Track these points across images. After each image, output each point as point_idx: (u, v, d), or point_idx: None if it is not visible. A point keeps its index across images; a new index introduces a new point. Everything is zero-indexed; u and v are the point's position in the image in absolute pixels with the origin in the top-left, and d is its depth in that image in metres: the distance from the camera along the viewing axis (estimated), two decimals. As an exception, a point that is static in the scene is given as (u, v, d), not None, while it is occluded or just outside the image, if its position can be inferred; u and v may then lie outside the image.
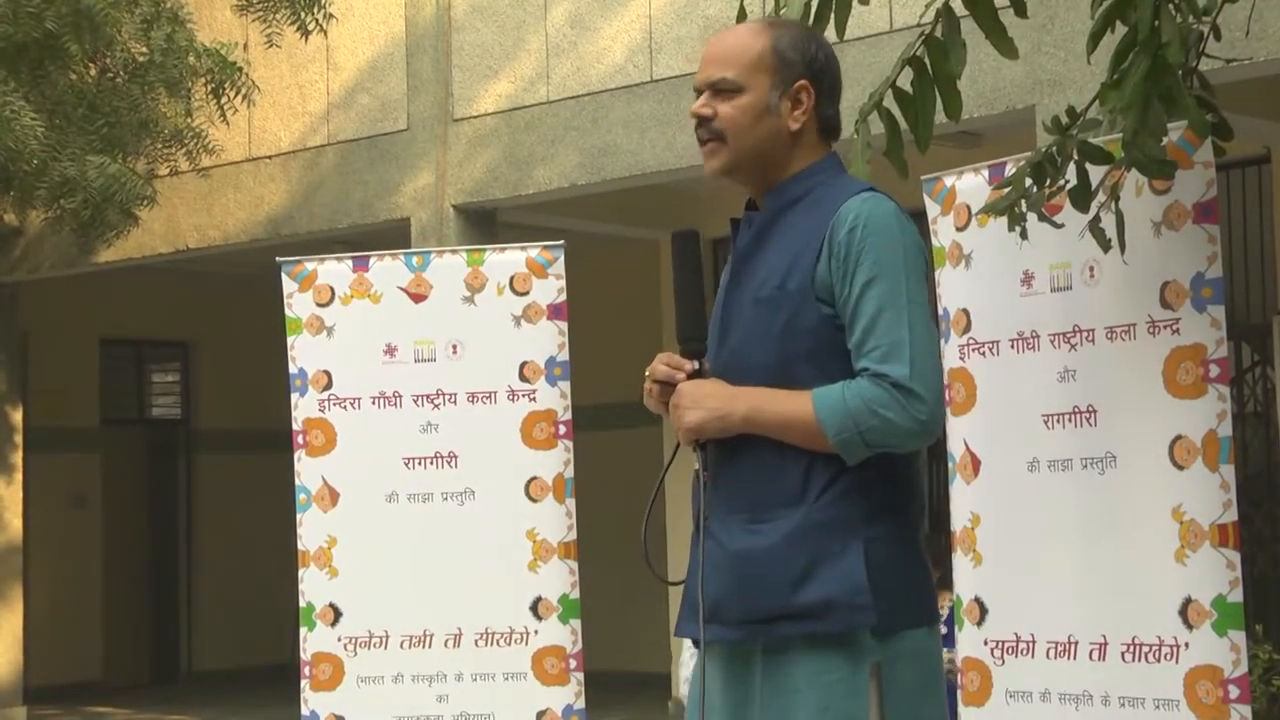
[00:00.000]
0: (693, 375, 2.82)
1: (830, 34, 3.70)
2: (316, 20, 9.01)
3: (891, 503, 2.75)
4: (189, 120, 9.48)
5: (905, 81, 3.77)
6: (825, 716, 2.66)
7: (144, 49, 9.08)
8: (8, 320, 11.70)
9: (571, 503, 6.12)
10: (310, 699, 6.17)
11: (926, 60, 3.75)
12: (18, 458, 11.57)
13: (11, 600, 11.45)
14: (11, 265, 11.31)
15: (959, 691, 4.58)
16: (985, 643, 4.47)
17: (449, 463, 6.14)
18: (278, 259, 6.43)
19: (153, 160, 9.89)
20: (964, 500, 4.56)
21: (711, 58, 2.85)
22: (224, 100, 9.29)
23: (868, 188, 2.80)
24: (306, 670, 6.18)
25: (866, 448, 2.69)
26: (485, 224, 9.34)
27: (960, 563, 4.56)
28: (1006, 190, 3.93)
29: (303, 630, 6.19)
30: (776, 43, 2.83)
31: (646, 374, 2.86)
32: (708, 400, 2.75)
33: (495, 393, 6.14)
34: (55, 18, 8.42)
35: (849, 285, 2.71)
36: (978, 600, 4.51)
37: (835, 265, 2.72)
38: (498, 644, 6.06)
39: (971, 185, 4.60)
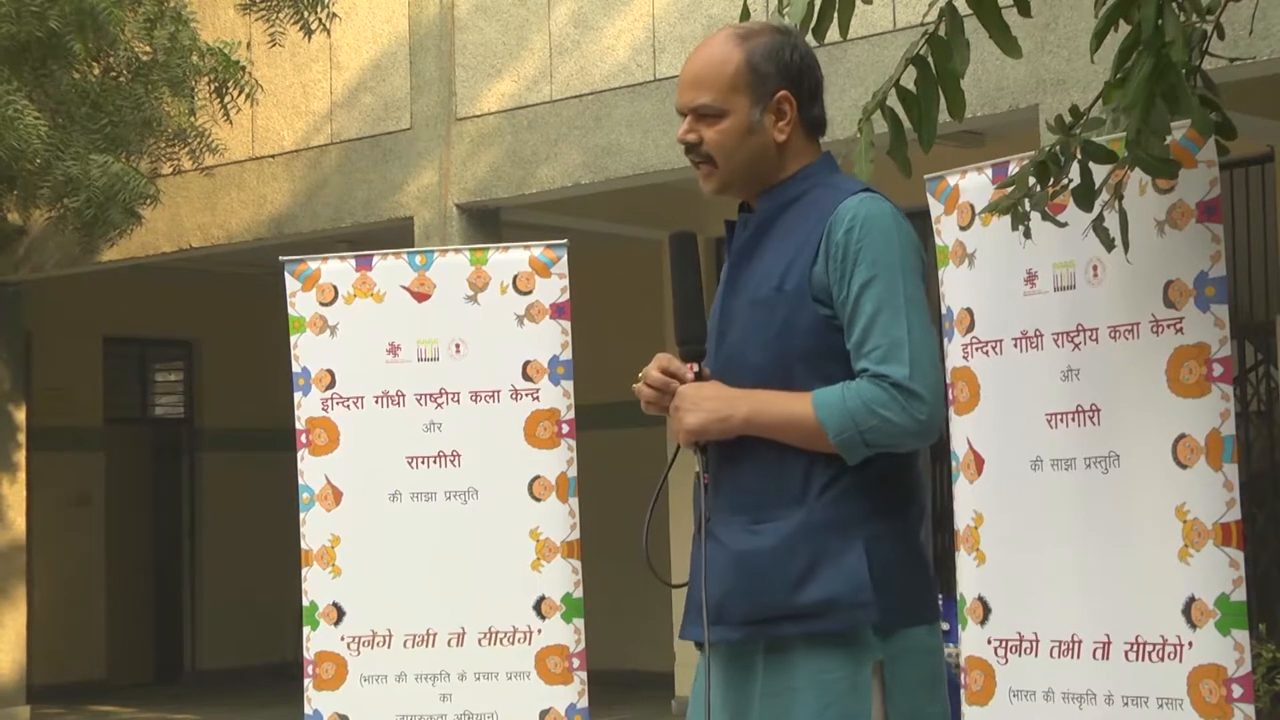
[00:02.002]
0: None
1: (833, 33, 3.71)
2: (319, 19, 9.01)
3: (892, 502, 2.76)
4: (192, 119, 9.48)
5: (909, 80, 3.77)
6: (826, 715, 2.66)
7: (147, 48, 9.07)
8: (11, 319, 11.70)
9: (575, 502, 6.12)
10: (314, 698, 6.17)
11: (930, 59, 3.74)
12: (21, 457, 11.58)
13: (15, 599, 11.46)
14: (15, 264, 11.31)
15: (962, 690, 4.58)
16: (989, 642, 4.47)
17: (452, 462, 6.14)
18: (281, 258, 6.43)
19: (156, 159, 9.89)
20: (967, 499, 4.56)
21: (689, 80, 2.85)
22: (227, 99, 9.29)
23: (864, 188, 2.80)
24: (310, 669, 6.18)
25: (867, 448, 2.69)
26: (488, 223, 9.34)
27: (963, 562, 4.55)
28: (1010, 189, 3.93)
29: (306, 629, 6.19)
30: (750, 57, 2.81)
31: (639, 377, 2.85)
32: (707, 402, 2.75)
33: (498, 392, 6.14)
34: (59, 17, 8.41)
35: (847, 286, 2.71)
36: (981, 599, 4.51)
37: (832, 266, 2.72)
38: (501, 643, 6.06)
39: (975, 184, 4.60)
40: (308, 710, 6.19)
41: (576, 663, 6.04)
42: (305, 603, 6.20)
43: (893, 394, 2.66)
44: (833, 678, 2.67)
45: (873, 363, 2.68)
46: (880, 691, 2.67)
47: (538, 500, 6.09)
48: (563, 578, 6.07)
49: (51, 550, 12.61)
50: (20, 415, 11.63)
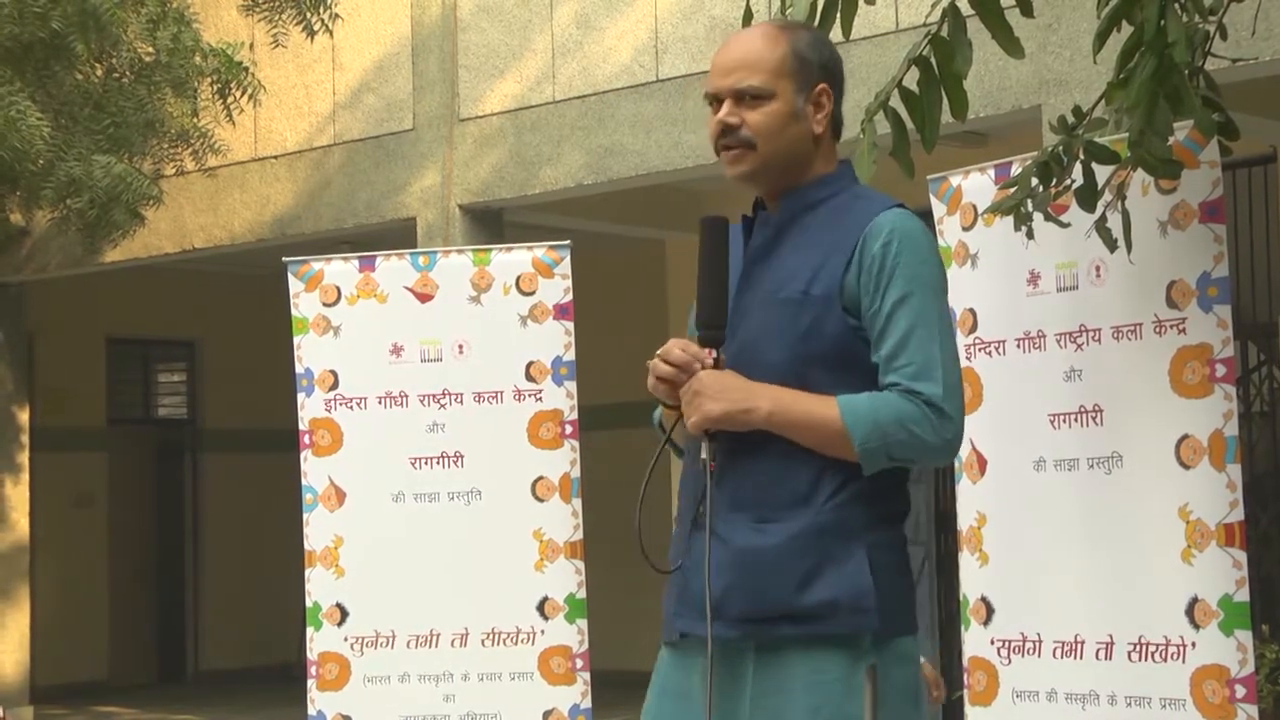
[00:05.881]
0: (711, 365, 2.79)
1: (836, 34, 3.71)
2: (322, 20, 9.01)
3: (890, 512, 2.77)
4: (195, 120, 9.48)
5: (911, 81, 3.77)
6: (819, 716, 2.66)
7: (150, 49, 9.08)
8: (14, 320, 11.70)
9: (578, 502, 6.13)
10: (317, 699, 6.18)
11: (933, 60, 3.75)
12: (24, 457, 11.58)
13: (18, 600, 11.46)
14: (18, 265, 11.31)
15: (965, 691, 4.58)
16: (992, 642, 4.47)
17: (455, 462, 6.15)
18: (284, 259, 6.43)
19: (159, 160, 9.88)
20: (970, 499, 4.56)
21: (732, 64, 2.81)
22: (230, 100, 9.29)
23: (897, 203, 2.81)
24: (313, 670, 6.18)
25: (889, 460, 2.70)
26: (491, 224, 9.34)
27: (967, 562, 4.56)
28: (1013, 190, 3.94)
29: (309, 630, 6.20)
30: (795, 46, 2.81)
31: (657, 355, 2.81)
32: (731, 392, 2.72)
33: (501, 392, 6.15)
34: (61, 17, 8.42)
35: (880, 299, 2.71)
36: (984, 600, 4.52)
37: (865, 277, 2.72)
38: (504, 644, 6.06)
39: (977, 185, 4.60)
40: (311, 711, 6.20)
41: (580, 663, 6.05)
42: (308, 603, 6.20)
43: (925, 411, 2.67)
44: (828, 679, 2.67)
45: (905, 378, 2.69)
46: (873, 695, 2.67)
47: (541, 501, 6.09)
48: (566, 578, 6.07)
49: (54, 551, 12.61)
50: (23, 416, 11.64)
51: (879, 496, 2.73)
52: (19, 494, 11.52)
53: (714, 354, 2.77)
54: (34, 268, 11.30)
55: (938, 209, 4.75)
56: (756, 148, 2.78)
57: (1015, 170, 4.25)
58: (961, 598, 4.63)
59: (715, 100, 2.83)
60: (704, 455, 2.75)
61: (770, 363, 2.75)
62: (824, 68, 2.82)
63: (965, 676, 4.58)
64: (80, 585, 13.06)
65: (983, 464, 4.51)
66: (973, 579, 4.56)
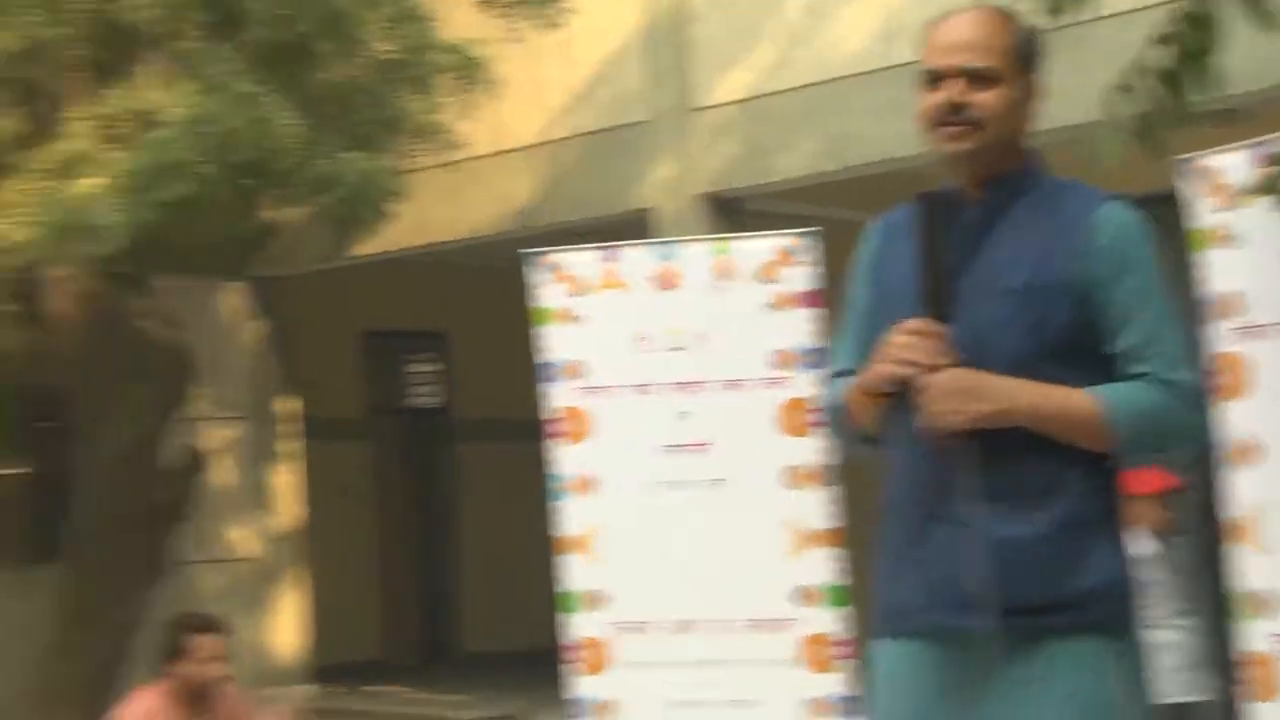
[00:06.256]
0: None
1: (1070, 15, 3.64)
2: (554, 15, 9.12)
3: (1118, 504, 2.79)
4: (434, 116, 9.68)
5: (1160, 60, 3.67)
6: (1074, 701, 2.68)
7: (391, 48, 9.30)
8: (275, 314, 12.15)
9: (834, 489, 6.08)
10: (577, 683, 6.29)
11: (1182, 37, 3.65)
12: (295, 447, 12.03)
13: (296, 584, 11.94)
14: (274, 260, 11.71)
15: (1241, 687, 4.45)
16: (1272, 636, 4.33)
17: (703, 450, 6.18)
18: (524, 250, 6.51)
19: (401, 156, 10.12)
20: (1243, 488, 4.42)
21: (963, 43, 2.81)
22: (468, 95, 9.46)
23: (1114, 195, 2.82)
24: (572, 655, 6.29)
25: (1150, 450, 2.78)
26: (729, 213, 9.34)
27: (1240, 553, 4.42)
28: (1275, 170, 3.81)
29: (567, 616, 6.31)
30: (1019, 36, 2.84)
31: (896, 342, 2.75)
32: (992, 391, 2.71)
33: (749, 380, 6.15)
34: (308, 19, 8.66)
35: (1118, 290, 2.73)
36: (1262, 592, 4.37)
37: (1099, 270, 2.73)
38: (763, 631, 6.06)
39: (1234, 164, 4.46)
40: (573, 695, 6.31)
41: (843, 650, 6.00)
42: (564, 589, 6.32)
43: (1182, 400, 2.72)
44: (1084, 665, 2.69)
45: (1159, 368, 2.72)
46: (1127, 680, 2.71)
47: (794, 488, 6.07)
48: (824, 566, 6.03)
49: (326, 537, 13.04)
50: (291, 406, 12.08)
51: (1112, 487, 2.76)
52: (293, 482, 11.99)
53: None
54: (290, 263, 11.69)
55: (1189, 190, 4.61)
56: (984, 128, 2.79)
57: (1277, 149, 4.11)
58: (1232, 590, 4.49)
59: (936, 78, 2.81)
60: (950, 444, 2.72)
61: (1001, 355, 2.74)
62: (1038, 60, 2.85)
63: (1240, 671, 4.45)
64: (351, 569, 13.49)
65: (1257, 452, 4.37)
66: (1248, 571, 4.42)
